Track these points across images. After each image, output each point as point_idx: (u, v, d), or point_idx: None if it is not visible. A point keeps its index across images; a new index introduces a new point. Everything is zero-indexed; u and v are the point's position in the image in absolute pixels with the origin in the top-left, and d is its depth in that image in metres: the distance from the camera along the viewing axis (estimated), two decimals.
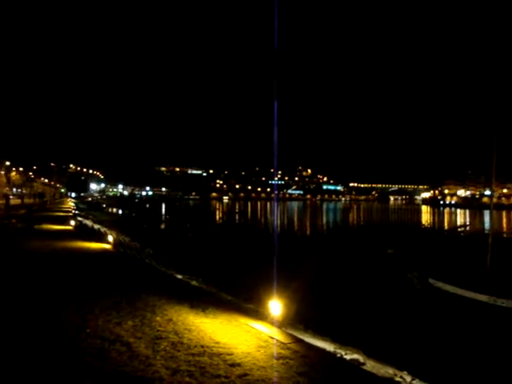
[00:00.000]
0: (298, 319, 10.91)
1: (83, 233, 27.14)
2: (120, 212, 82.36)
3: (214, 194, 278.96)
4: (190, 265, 20.30)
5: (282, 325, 9.41)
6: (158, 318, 8.81)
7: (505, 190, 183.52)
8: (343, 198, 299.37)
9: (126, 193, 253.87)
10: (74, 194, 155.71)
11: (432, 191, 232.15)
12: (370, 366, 8.20)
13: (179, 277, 16.61)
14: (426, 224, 68.66)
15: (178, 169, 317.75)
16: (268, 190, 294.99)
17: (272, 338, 8.27)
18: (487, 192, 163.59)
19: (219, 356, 6.92)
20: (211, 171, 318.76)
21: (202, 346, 7.32)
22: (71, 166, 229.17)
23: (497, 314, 13.75)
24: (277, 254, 11.94)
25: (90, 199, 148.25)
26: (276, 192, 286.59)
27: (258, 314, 10.33)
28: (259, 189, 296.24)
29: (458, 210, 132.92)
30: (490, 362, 10.41)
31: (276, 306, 9.42)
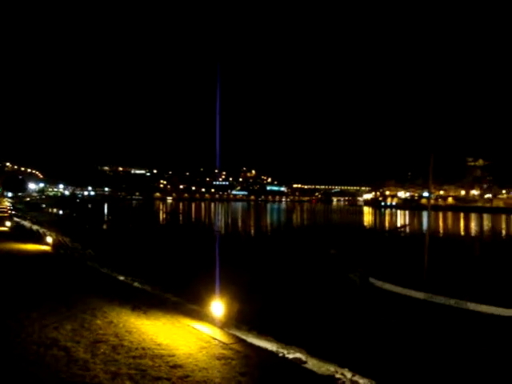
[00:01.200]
0: (243, 319, 10.95)
1: (20, 234, 26.12)
2: (60, 212, 79.67)
3: (158, 194, 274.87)
4: (134, 266, 19.94)
5: (224, 325, 9.42)
6: (98, 321, 8.62)
7: (441, 192, 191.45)
8: (283, 199, 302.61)
9: (67, 193, 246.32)
10: (10, 194, 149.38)
11: (373, 193, 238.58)
12: (312, 364, 8.36)
13: (121, 278, 16.30)
14: (368, 225, 70.43)
15: (121, 168, 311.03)
16: (212, 190, 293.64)
17: (214, 338, 8.27)
18: (425, 194, 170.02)
19: (161, 358, 6.86)
20: (155, 171, 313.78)
21: (144, 349, 7.22)
22: (8, 164, 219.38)
23: (433, 311, 14.30)
24: (219, 254, 11.93)
25: (28, 199, 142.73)
26: (220, 193, 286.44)
27: (201, 314, 10.29)
28: (203, 189, 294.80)
29: (398, 211, 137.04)
30: (428, 356, 10.82)
31: (218, 307, 9.42)
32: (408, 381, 8.74)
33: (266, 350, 8.65)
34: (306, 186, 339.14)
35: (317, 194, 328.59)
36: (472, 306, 13.63)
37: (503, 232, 55.95)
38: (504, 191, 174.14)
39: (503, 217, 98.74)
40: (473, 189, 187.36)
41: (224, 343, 8.07)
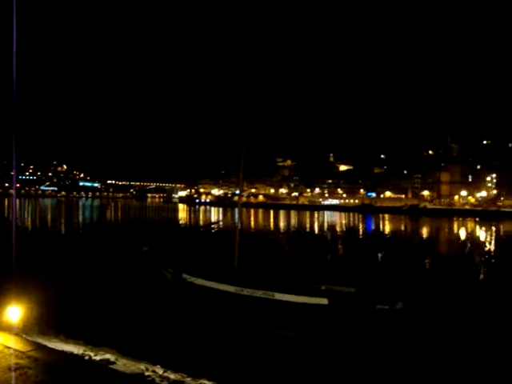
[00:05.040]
0: (51, 324, 10.28)
1: None
2: None
3: None
4: None
5: (22, 332, 8.60)
6: None
7: (253, 190, 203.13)
8: (85, 196, 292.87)
9: None
10: None
11: (188, 190, 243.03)
12: (122, 364, 8.17)
13: None
14: (182, 222, 71.24)
15: None
16: (18, 185, 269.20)
17: (8, 347, 7.46)
18: (238, 191, 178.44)
19: None
20: None
21: None
22: None
23: (242, 303, 15.00)
24: (19, 254, 10.83)
25: None
26: (27, 188, 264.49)
27: None
28: (7, 184, 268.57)
29: (213, 208, 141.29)
30: (239, 345, 11.30)
31: (15, 312, 8.52)
32: (220, 371, 8.94)
33: (70, 354, 8.16)
34: (120, 183, 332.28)
35: (132, 190, 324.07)
36: (277, 295, 14.64)
37: (307, 227, 61.36)
38: (308, 190, 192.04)
39: (307, 213, 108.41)
40: (282, 187, 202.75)
41: (20, 352, 7.32)
